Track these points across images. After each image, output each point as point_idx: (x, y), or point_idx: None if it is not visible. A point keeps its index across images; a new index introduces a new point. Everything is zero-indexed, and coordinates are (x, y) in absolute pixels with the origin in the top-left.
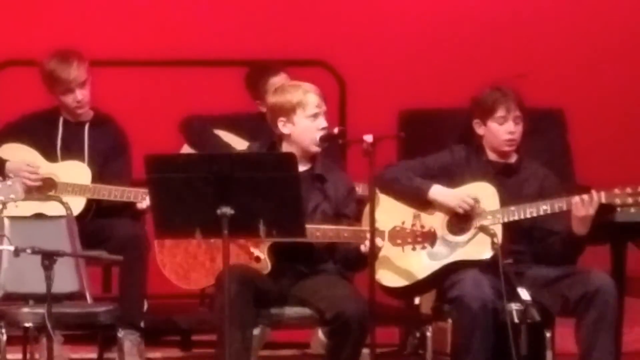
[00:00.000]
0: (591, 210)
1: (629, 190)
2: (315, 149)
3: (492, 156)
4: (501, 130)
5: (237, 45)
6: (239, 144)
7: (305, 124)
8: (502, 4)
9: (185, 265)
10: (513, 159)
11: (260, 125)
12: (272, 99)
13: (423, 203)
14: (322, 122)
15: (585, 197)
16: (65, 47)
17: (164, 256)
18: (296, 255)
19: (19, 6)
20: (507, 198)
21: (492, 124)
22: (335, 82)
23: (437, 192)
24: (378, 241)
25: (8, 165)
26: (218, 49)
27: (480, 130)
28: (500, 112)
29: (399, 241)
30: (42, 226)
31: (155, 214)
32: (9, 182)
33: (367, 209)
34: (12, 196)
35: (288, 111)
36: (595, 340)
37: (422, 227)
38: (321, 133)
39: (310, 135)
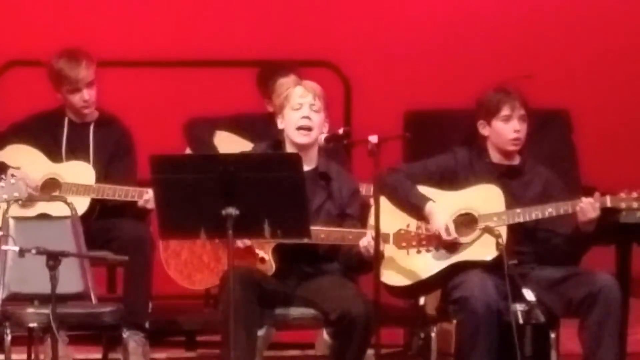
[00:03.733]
0: (596, 213)
1: (635, 194)
2: (300, 138)
3: (495, 158)
4: (506, 129)
5: (243, 46)
6: (242, 145)
7: (290, 115)
8: (508, 4)
9: (190, 265)
10: (516, 161)
11: (266, 126)
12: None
13: (420, 216)
14: (303, 112)
15: (590, 200)
16: (69, 47)
17: (168, 255)
18: (301, 256)
19: (24, 6)
20: (511, 200)
21: (497, 123)
22: (340, 83)
23: (431, 211)
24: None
25: (12, 172)
26: (224, 49)
27: (484, 131)
28: (505, 111)
29: (404, 244)
30: (47, 226)
31: (160, 214)
32: (12, 181)
33: (372, 210)
34: (15, 194)
35: (281, 107)
36: (599, 340)
37: (427, 230)
38: (302, 122)
39: (292, 125)
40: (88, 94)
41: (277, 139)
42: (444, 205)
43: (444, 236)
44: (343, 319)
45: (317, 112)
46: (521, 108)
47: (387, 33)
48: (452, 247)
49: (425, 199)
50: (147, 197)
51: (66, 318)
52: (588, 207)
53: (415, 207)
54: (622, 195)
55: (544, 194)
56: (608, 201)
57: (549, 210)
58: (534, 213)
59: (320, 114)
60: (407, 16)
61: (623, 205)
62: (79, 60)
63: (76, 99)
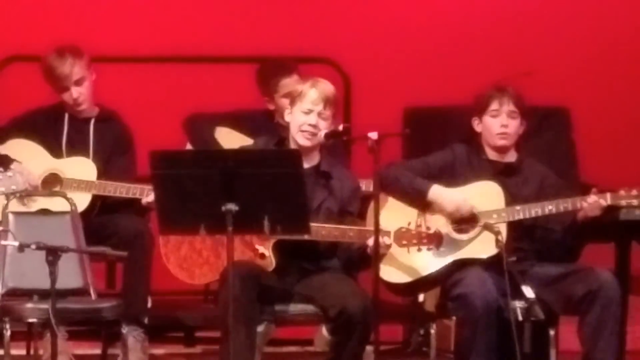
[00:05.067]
0: (600, 212)
1: (634, 192)
2: (301, 140)
3: (492, 155)
4: (494, 123)
5: (244, 42)
6: (242, 141)
7: (297, 115)
8: (508, 1)
9: (189, 260)
10: (513, 158)
11: (266, 123)
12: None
13: (423, 204)
14: (310, 120)
15: (594, 198)
16: (68, 42)
17: (168, 251)
18: (301, 252)
19: (24, 1)
20: (508, 197)
21: (486, 118)
22: (340, 79)
23: (437, 193)
24: (385, 239)
25: (14, 166)
26: (224, 45)
27: (478, 127)
28: (494, 106)
29: (404, 242)
30: (47, 222)
31: (159, 210)
32: (9, 174)
33: (371, 207)
34: (13, 187)
35: (292, 102)
36: (598, 338)
37: (428, 228)
38: (307, 128)
39: (297, 125)
40: (77, 93)
41: (281, 136)
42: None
43: (465, 209)
44: (342, 315)
45: (324, 120)
46: (511, 104)
47: (387, 30)
48: (454, 242)
49: (429, 183)
50: (151, 198)
51: (65, 313)
52: (594, 207)
53: (419, 193)
54: (622, 192)
55: (541, 191)
56: (608, 198)
57: (548, 208)
58: (534, 210)
59: (327, 121)
60: (407, 13)
61: (623, 202)
62: (64, 58)
63: (66, 97)
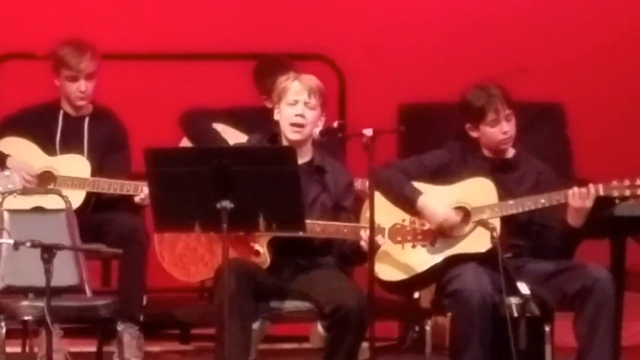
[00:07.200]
0: (588, 203)
1: (626, 182)
2: (292, 135)
3: (488, 152)
4: (495, 132)
5: (238, 38)
6: (238, 137)
7: (285, 110)
8: None
9: (184, 258)
10: (510, 154)
11: (262, 119)
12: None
13: (413, 211)
14: (297, 109)
15: (583, 189)
16: (66, 39)
17: (162, 249)
18: (295, 249)
19: None
20: (504, 194)
21: (485, 128)
22: (335, 76)
23: (424, 204)
24: (379, 239)
25: (9, 160)
26: (218, 42)
27: (474, 133)
28: (491, 116)
29: (399, 239)
30: (42, 219)
31: (154, 207)
32: (6, 173)
33: (366, 205)
34: (10, 186)
35: (278, 99)
36: (593, 334)
37: (422, 225)
38: (295, 119)
39: (286, 121)
40: (85, 86)
41: (274, 132)
42: (437, 198)
43: (448, 223)
44: (337, 312)
45: (311, 109)
46: (506, 108)
47: (382, 26)
48: (450, 236)
49: (418, 192)
50: (142, 195)
51: (61, 311)
52: (578, 195)
53: (408, 201)
54: (614, 183)
55: (538, 187)
56: (600, 189)
57: (541, 201)
58: (527, 204)
59: (315, 111)
60: (401, 10)
61: (615, 193)
62: (84, 51)
63: (73, 88)
